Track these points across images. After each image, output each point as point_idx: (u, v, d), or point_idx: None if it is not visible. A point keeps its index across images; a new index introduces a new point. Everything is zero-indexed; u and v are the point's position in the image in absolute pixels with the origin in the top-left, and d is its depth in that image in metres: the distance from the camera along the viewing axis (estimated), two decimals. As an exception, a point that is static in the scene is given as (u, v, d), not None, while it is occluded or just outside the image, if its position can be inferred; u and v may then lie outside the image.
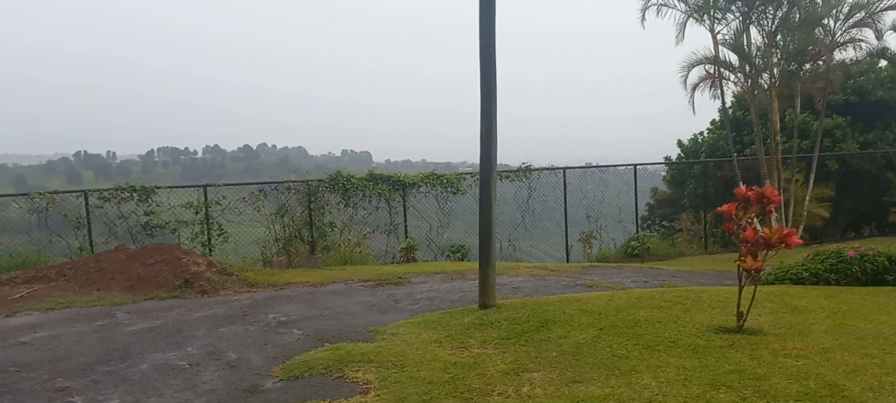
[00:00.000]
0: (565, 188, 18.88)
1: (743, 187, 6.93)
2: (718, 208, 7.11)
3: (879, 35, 19.18)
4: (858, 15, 18.65)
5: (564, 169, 19.14)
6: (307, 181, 16.63)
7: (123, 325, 9.16)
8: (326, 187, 16.62)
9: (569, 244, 19.01)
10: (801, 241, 7.49)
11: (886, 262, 10.19)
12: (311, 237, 16.18)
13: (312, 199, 16.36)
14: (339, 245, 16.52)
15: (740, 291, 6.98)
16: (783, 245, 6.58)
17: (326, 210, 16.57)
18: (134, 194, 15.22)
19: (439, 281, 12.49)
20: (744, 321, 6.93)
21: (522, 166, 18.50)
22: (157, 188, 15.59)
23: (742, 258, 6.81)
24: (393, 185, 17.16)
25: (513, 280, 12.42)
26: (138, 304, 10.71)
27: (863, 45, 19.28)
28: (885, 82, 22.96)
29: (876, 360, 5.88)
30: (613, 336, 6.87)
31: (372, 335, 7.97)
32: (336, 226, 16.63)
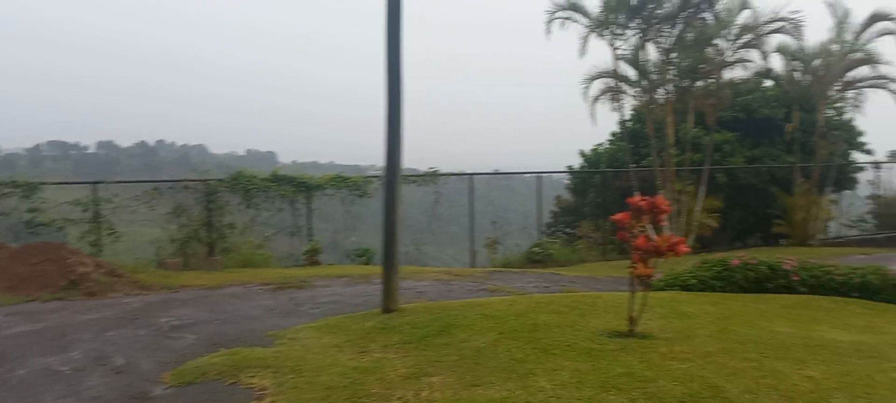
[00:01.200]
0: (472, 194, 19.09)
1: (636, 197, 7.21)
2: (612, 216, 7.37)
3: (765, 56, 20.45)
4: (747, 36, 19.80)
5: (472, 175, 19.35)
6: (206, 180, 16.11)
7: (2, 328, 8.60)
8: (227, 187, 16.14)
9: (475, 249, 19.24)
10: (689, 250, 7.87)
11: (767, 271, 10.85)
12: (210, 238, 15.68)
13: (211, 199, 15.86)
14: (240, 247, 16.08)
15: (632, 297, 7.25)
16: (672, 253, 6.89)
17: (227, 210, 16.09)
18: (17, 189, 14.30)
19: (343, 285, 12.37)
20: (635, 325, 7.20)
21: (430, 171, 18.58)
22: (43, 184, 14.71)
23: (634, 265, 7.08)
24: (297, 187, 16.86)
25: (418, 284, 12.45)
26: (19, 306, 10.09)
27: (750, 65, 20.50)
28: (770, 101, 24.45)
29: (754, 363, 6.23)
30: (513, 340, 6.99)
31: (271, 339, 7.81)
32: (237, 228, 16.18)
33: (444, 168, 19.04)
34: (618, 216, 7.24)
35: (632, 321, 7.22)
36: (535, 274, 15.58)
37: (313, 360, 6.68)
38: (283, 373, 6.27)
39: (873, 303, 9.84)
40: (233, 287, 12.18)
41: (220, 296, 11.15)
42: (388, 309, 8.70)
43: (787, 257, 11.41)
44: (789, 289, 10.60)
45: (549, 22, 20.01)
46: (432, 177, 18.53)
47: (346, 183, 17.34)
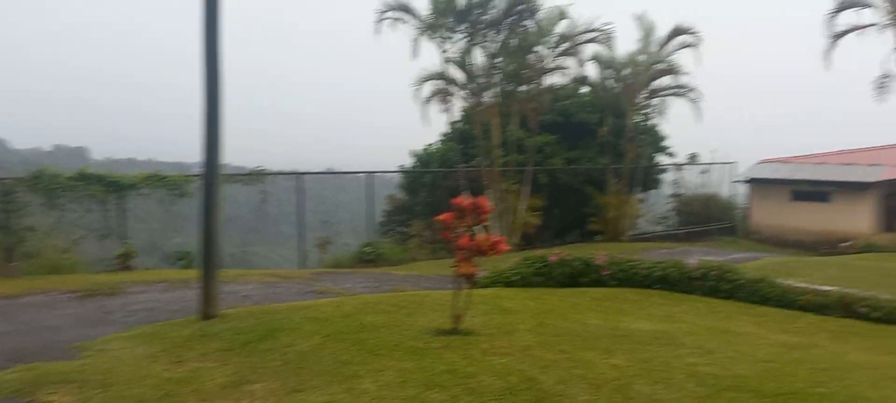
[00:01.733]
0: (302, 193, 18.71)
1: (460, 198, 7.39)
2: (436, 217, 7.51)
3: (581, 64, 21.89)
4: (565, 45, 21.08)
5: (301, 174, 18.96)
6: (1, 179, 14.51)
7: None
8: (26, 186, 14.63)
9: (305, 250, 18.87)
10: (509, 248, 8.19)
11: (582, 266, 11.56)
12: (7, 243, 14.15)
13: (8, 200, 14.30)
14: (44, 251, 14.64)
15: (457, 295, 7.42)
16: (494, 251, 7.14)
17: (27, 212, 14.58)
18: None
19: (160, 291, 11.64)
20: (460, 323, 7.39)
21: (256, 170, 17.98)
22: None
23: (458, 264, 7.26)
24: (108, 186, 15.61)
25: (242, 288, 11.99)
26: None
27: (568, 71, 21.86)
28: (585, 106, 26.19)
29: (568, 355, 6.60)
30: (339, 342, 6.92)
31: (76, 352, 7.16)
32: (39, 231, 14.71)
33: (279, 166, 18.52)
34: (442, 216, 7.38)
35: (456, 318, 7.39)
36: (366, 274, 15.56)
37: (123, 373, 6.21)
38: (89, 388, 5.78)
39: (672, 294, 10.78)
40: (34, 295, 11.06)
41: (18, 306, 10.10)
42: (207, 314, 8.29)
43: (600, 253, 12.24)
44: (601, 283, 11.37)
45: (379, 21, 20.09)
46: (259, 175, 17.94)
47: (163, 182, 16.30)
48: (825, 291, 9.96)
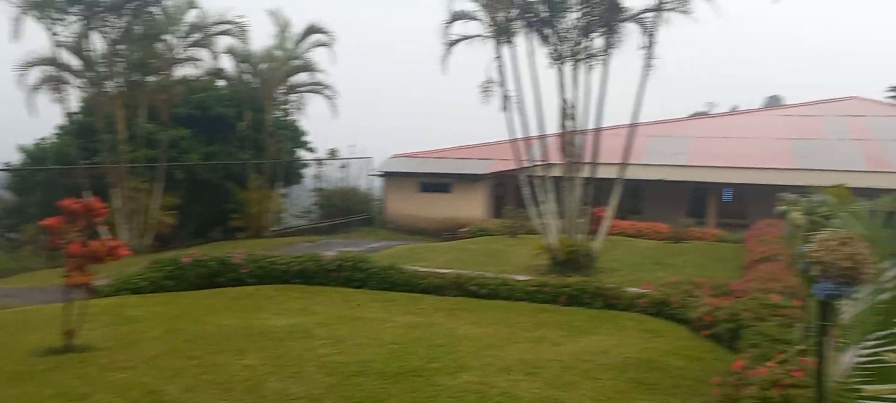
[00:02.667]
0: None
1: (71, 199, 6.60)
2: (42, 222, 6.62)
3: (216, 56, 21.19)
4: (196, 35, 20.19)
5: None
6: None
7: None
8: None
9: None
10: (130, 252, 7.57)
11: (218, 265, 11.19)
12: None
13: None
14: None
15: (69, 307, 6.63)
16: (111, 257, 6.54)
17: None
18: None
19: None
20: (74, 339, 6.61)
21: None
22: None
23: (69, 273, 6.49)
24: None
25: None
26: None
27: (201, 63, 20.99)
28: (223, 100, 25.42)
29: (197, 361, 6.33)
30: None
31: None
32: None
33: None
34: (49, 221, 6.53)
35: (69, 334, 6.61)
36: (-42, 292, 13.09)
37: None
38: None
39: (310, 287, 11.00)
40: None
41: None
42: None
43: (237, 251, 11.99)
44: (240, 282, 11.12)
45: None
46: None
47: None
48: (443, 273, 11.10)
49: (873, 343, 3.30)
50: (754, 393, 4.51)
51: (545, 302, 9.96)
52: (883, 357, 3.09)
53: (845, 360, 3.45)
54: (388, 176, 30.08)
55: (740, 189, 26.16)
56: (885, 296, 3.31)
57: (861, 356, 3.31)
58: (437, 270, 11.58)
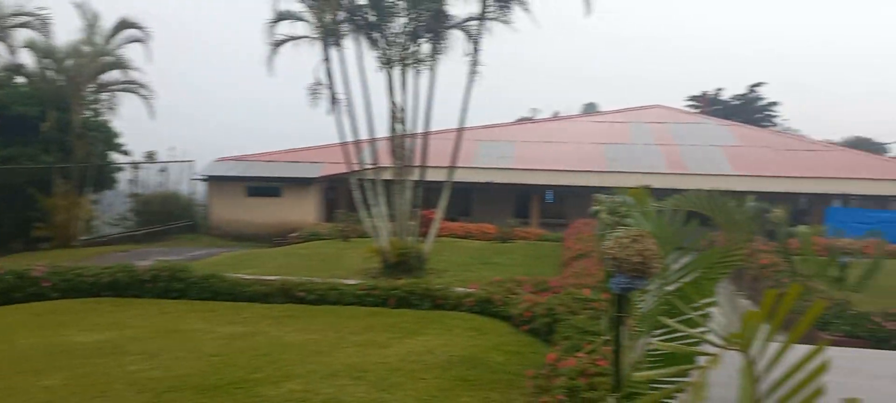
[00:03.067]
0: None
1: None
2: None
3: (13, 51, 19.18)
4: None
5: None
6: None
7: None
8: None
9: None
10: None
11: (15, 280, 10.16)
12: None
13: None
14: None
15: None
16: None
17: None
18: None
19: None
20: None
21: None
22: None
23: None
24: None
25: None
26: None
27: (-3, 59, 18.93)
28: (23, 98, 23.06)
29: (-15, 386, 5.70)
30: None
31: None
32: None
33: None
34: None
35: None
36: None
37: None
38: None
39: (123, 299, 10.26)
40: None
41: None
42: None
43: (38, 263, 10.96)
44: (42, 296, 10.16)
45: None
46: None
47: None
48: (269, 280, 10.79)
49: (660, 332, 3.62)
50: (563, 383, 4.80)
51: (375, 305, 9.99)
52: (661, 345, 3.39)
53: (638, 348, 3.76)
54: (212, 180, 28.76)
55: (560, 190, 27.76)
56: (670, 288, 3.64)
57: (650, 343, 3.62)
58: (263, 277, 11.25)
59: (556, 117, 45.17)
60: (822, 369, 1.72)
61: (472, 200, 29.13)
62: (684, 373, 1.93)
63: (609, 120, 34.73)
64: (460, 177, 25.24)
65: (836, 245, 12.39)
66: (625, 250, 3.57)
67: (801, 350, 1.92)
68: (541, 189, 27.67)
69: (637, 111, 35.13)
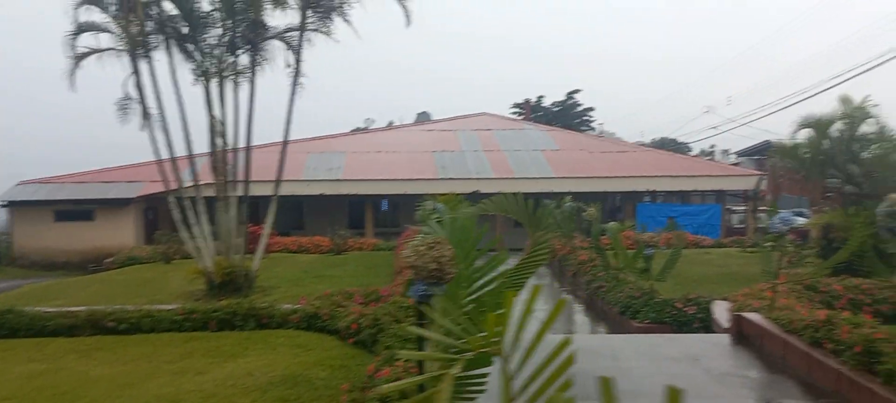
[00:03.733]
0: None
1: None
2: None
3: None
4: None
5: None
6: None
7: None
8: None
9: None
10: None
11: None
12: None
13: None
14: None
15: None
16: None
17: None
18: None
19: None
20: None
21: None
22: None
23: None
24: None
25: None
26: None
27: None
28: None
29: None
30: None
31: None
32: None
33: None
34: None
35: None
36: None
37: None
38: None
39: None
40: None
41: None
42: None
43: None
44: None
45: None
46: None
47: None
48: (74, 312, 9.93)
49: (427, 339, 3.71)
50: (377, 395, 4.81)
51: (195, 329, 9.52)
52: (404, 354, 3.48)
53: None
54: (13, 205, 26.14)
55: (394, 199, 28.02)
56: (468, 292, 3.75)
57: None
58: (69, 308, 10.36)
59: (389, 127, 45.60)
60: (570, 361, 1.83)
61: (304, 213, 28.66)
62: (433, 381, 1.99)
63: (439, 128, 35.55)
64: (290, 190, 24.81)
65: (642, 238, 13.43)
66: (422, 257, 3.65)
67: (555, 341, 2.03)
68: (374, 198, 27.77)
69: (465, 119, 36.26)
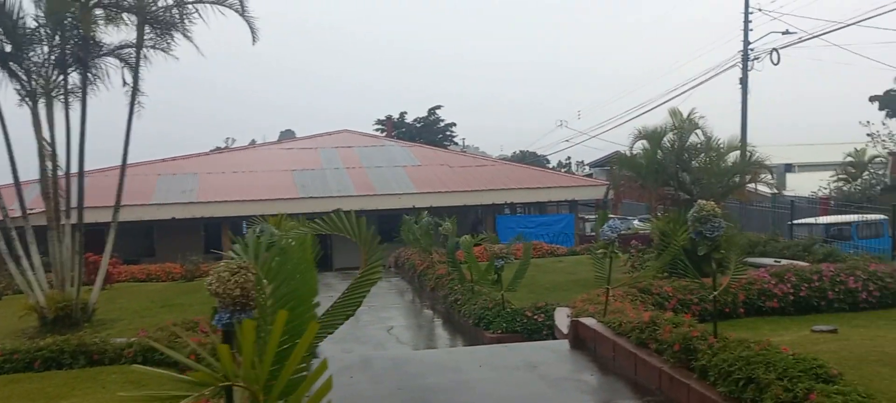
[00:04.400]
0: None
1: None
2: None
3: None
4: None
5: None
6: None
7: None
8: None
9: None
10: None
11: None
12: None
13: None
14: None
15: None
16: None
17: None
18: None
19: None
20: None
21: None
22: None
23: None
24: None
25: None
26: None
27: None
28: None
29: None
30: None
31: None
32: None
33: None
34: None
35: None
36: None
37: None
38: None
39: None
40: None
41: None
42: None
43: None
44: None
45: None
46: None
47: None
48: None
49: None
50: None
51: (17, 371, 8.76)
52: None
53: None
54: None
55: (252, 221, 27.15)
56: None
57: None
58: None
59: (249, 146, 44.39)
60: (329, 386, 1.83)
61: (155, 239, 27.25)
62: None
63: (299, 146, 35.01)
64: (137, 215, 23.54)
65: (494, 250, 13.79)
66: (225, 284, 3.54)
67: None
68: (231, 221, 26.84)
69: (326, 136, 35.90)
